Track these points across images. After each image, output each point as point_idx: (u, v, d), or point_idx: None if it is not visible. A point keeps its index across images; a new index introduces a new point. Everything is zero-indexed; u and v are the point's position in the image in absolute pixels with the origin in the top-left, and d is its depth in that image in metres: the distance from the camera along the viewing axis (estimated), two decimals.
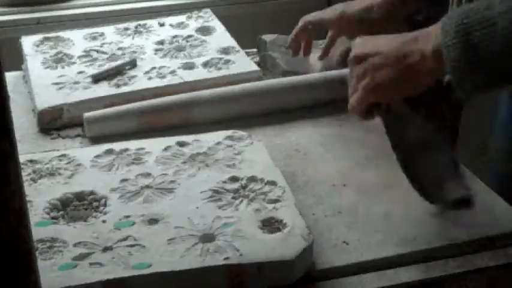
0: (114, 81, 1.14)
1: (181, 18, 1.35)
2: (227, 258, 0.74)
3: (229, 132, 0.97)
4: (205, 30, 1.30)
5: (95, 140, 1.03)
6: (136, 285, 0.72)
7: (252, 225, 0.79)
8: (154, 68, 1.17)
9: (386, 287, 0.77)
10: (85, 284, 0.71)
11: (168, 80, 1.13)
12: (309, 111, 1.08)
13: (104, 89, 1.12)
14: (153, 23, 1.34)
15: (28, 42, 1.27)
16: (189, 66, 1.18)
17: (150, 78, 1.14)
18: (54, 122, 1.07)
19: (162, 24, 1.33)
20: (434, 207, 0.86)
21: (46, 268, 0.73)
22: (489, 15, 0.74)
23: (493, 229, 0.83)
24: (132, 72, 1.16)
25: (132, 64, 1.18)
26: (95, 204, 0.84)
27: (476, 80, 0.76)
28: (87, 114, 1.04)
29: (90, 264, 0.74)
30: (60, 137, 1.05)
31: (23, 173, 0.89)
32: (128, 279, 0.72)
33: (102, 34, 1.30)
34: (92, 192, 0.85)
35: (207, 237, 0.78)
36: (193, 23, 1.33)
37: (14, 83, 1.19)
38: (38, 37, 1.29)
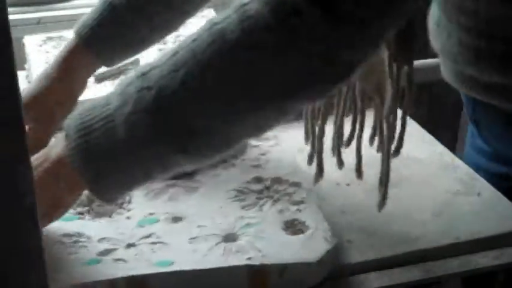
0: (117, 81, 1.13)
1: None
2: (250, 258, 0.74)
3: None
4: None
5: None
6: (159, 283, 0.73)
7: (275, 226, 0.79)
8: None
9: (387, 286, 0.77)
10: (109, 280, 0.72)
11: None
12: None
13: (107, 89, 1.11)
14: None
15: (31, 42, 1.27)
16: None
17: None
18: None
19: None
20: (438, 207, 0.87)
21: (71, 262, 0.74)
22: (106, 111, 0.68)
23: (497, 228, 0.83)
24: None
25: (135, 64, 1.18)
26: (119, 200, 0.84)
27: (105, 182, 0.69)
28: None
29: (114, 260, 0.75)
30: None
31: None
32: (150, 276, 0.73)
33: None
34: None
35: (230, 237, 0.78)
36: (196, 23, 1.32)
37: None
38: (41, 37, 1.30)
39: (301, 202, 0.83)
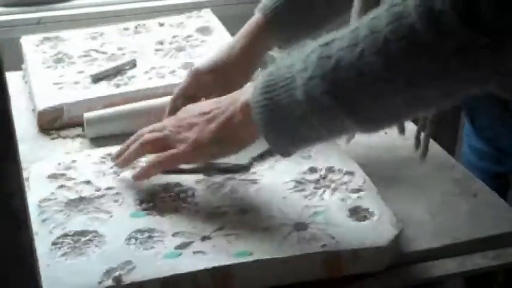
0: (114, 81, 1.14)
1: (181, 18, 1.35)
2: (324, 245, 0.76)
3: None
4: (205, 30, 1.30)
5: (95, 140, 1.03)
6: (240, 273, 0.74)
7: (341, 214, 0.81)
8: (154, 68, 1.17)
9: (386, 286, 0.78)
10: (192, 272, 0.73)
11: (168, 80, 1.13)
12: None
13: (104, 89, 1.12)
14: (153, 23, 1.34)
15: (28, 42, 1.27)
16: (189, 66, 1.17)
17: (150, 78, 1.15)
18: (54, 122, 1.07)
19: (162, 24, 1.33)
20: (435, 207, 0.86)
21: (150, 257, 0.75)
22: (289, 73, 0.75)
23: (493, 229, 0.84)
24: (131, 72, 1.16)
25: (132, 64, 1.18)
26: (182, 195, 0.85)
27: (281, 136, 0.77)
28: (87, 115, 1.04)
29: (194, 252, 0.76)
30: (60, 137, 1.05)
31: (105, 166, 0.91)
32: (232, 266, 0.74)
33: (102, 34, 1.30)
34: (177, 184, 0.87)
35: (300, 226, 0.80)
36: (193, 23, 1.33)
37: (14, 83, 1.19)
38: (38, 37, 1.29)
39: (360, 190, 0.85)
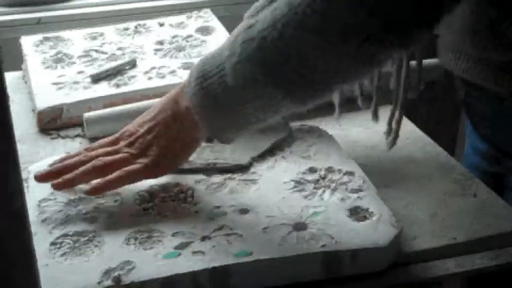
0: (114, 81, 1.14)
1: (181, 18, 1.35)
2: (324, 245, 0.77)
3: (297, 125, 0.99)
4: (205, 30, 1.30)
5: (95, 140, 1.02)
6: (240, 273, 0.75)
7: (340, 214, 0.81)
8: (154, 68, 1.17)
9: (386, 286, 0.78)
10: (191, 272, 0.73)
11: (168, 80, 1.13)
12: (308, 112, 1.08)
13: (104, 89, 1.12)
14: (152, 23, 1.34)
15: (28, 42, 1.27)
16: (188, 66, 1.18)
17: (149, 78, 1.14)
18: (53, 122, 1.07)
19: (161, 24, 1.33)
20: (435, 207, 0.86)
21: (149, 257, 0.75)
22: (220, 60, 0.78)
23: (493, 229, 0.84)
24: (131, 72, 1.16)
25: (132, 64, 1.18)
26: (182, 195, 0.86)
27: (221, 124, 0.81)
28: (87, 115, 1.04)
29: (193, 252, 0.76)
30: (60, 137, 1.05)
31: None
32: (232, 266, 0.74)
33: (102, 34, 1.29)
34: (177, 184, 0.87)
35: (300, 226, 0.80)
36: (193, 23, 1.33)
37: (13, 83, 1.19)
38: (38, 37, 1.29)
39: (359, 190, 0.85)
